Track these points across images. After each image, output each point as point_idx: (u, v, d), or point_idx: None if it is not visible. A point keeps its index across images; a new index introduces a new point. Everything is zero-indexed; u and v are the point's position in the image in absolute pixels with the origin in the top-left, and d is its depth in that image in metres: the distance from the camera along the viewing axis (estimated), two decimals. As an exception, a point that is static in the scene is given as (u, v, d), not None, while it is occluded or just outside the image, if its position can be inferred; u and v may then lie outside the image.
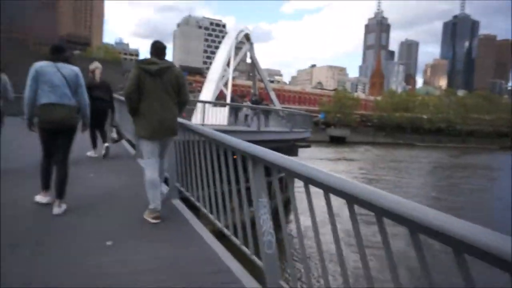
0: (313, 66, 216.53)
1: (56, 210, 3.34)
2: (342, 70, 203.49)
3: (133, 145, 7.22)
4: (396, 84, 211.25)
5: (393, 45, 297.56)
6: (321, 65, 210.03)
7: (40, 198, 3.55)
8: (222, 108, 15.64)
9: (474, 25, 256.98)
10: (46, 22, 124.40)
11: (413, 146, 68.52)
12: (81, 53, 69.11)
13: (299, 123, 19.38)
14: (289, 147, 17.55)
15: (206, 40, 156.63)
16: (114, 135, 6.81)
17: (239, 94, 24.90)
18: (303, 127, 19.86)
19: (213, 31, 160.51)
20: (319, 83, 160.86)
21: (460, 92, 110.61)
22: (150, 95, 3.29)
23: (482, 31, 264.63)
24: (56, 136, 3.51)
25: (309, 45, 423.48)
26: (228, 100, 20.10)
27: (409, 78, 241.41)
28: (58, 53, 3.58)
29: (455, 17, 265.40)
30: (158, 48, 3.46)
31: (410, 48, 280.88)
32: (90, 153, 6.49)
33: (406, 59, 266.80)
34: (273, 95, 34.20)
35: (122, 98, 7.44)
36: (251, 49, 30.56)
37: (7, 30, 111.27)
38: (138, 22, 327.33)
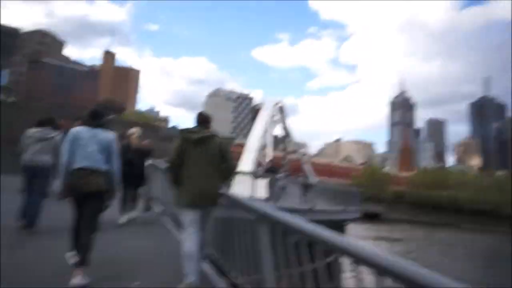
0: (338, 140, 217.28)
1: (75, 280, 3.07)
2: (368, 145, 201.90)
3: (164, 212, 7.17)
4: (425, 161, 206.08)
5: (420, 123, 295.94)
6: (347, 139, 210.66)
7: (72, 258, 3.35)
8: (261, 180, 14.23)
9: (500, 108, 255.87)
10: (88, 90, 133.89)
11: (455, 226, 62.44)
12: (116, 118, 71.62)
13: (346, 200, 16.83)
14: (337, 225, 15.01)
15: (234, 111, 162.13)
16: (141, 205, 6.66)
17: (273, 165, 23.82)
18: (351, 205, 17.36)
19: (240, 104, 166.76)
20: (348, 156, 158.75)
21: (498, 172, 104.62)
22: (191, 163, 3.35)
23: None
24: (86, 201, 3.46)
25: (334, 119, 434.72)
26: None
27: (438, 156, 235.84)
28: (96, 119, 3.64)
29: (481, 98, 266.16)
30: (202, 118, 3.57)
31: (437, 126, 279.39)
32: (121, 219, 6.20)
33: (434, 137, 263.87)
34: (308, 167, 32.03)
35: (156, 163, 7.57)
36: (285, 121, 30.17)
37: (57, 96, 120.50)
38: (171, 92, 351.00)
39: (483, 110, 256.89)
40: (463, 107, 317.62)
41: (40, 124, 5.15)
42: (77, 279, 3.09)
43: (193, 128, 3.47)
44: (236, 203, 3.47)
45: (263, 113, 25.70)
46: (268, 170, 16.21)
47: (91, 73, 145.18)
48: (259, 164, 21.05)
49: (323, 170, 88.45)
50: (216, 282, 3.51)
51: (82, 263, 3.19)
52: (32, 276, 3.34)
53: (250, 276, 3.19)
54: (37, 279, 3.27)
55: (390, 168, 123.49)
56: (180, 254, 3.40)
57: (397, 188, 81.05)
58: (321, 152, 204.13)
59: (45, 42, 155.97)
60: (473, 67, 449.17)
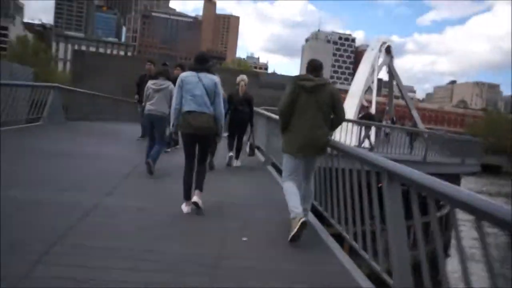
0: (453, 82, 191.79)
1: (195, 198, 3.69)
2: (493, 87, 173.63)
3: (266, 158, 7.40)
4: None
5: None
6: (463, 81, 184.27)
7: (184, 207, 3.75)
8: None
9: None
10: (191, 40, 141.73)
11: None
12: (218, 66, 75.26)
13: (464, 152, 15.15)
14: (452, 179, 13.86)
15: (335, 54, 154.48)
16: (247, 149, 6.90)
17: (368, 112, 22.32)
18: (470, 157, 15.51)
19: (342, 46, 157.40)
20: (463, 101, 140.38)
21: None
22: (302, 111, 3.31)
23: None
24: (195, 142, 3.79)
25: (448, 60, 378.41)
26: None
27: None
28: (201, 63, 3.81)
29: None
30: (314, 66, 3.52)
31: None
32: (235, 162, 6.64)
33: None
34: (416, 114, 29.47)
35: (260, 110, 7.82)
36: (391, 63, 27.22)
37: (164, 48, 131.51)
38: (268, 38, 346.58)
39: None
40: None
41: (156, 76, 5.60)
42: (195, 198, 3.69)
43: (306, 75, 3.42)
44: (346, 153, 3.35)
45: (367, 54, 23.76)
46: (362, 117, 15.07)
47: (194, 23, 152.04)
48: (363, 110, 20.15)
49: (431, 116, 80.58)
50: (319, 231, 3.53)
51: (199, 187, 3.77)
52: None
53: (354, 227, 3.12)
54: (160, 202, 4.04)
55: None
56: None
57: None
58: (430, 97, 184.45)
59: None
60: None
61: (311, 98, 3.28)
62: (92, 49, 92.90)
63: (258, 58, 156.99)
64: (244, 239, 3.09)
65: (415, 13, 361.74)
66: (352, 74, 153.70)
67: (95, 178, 4.79)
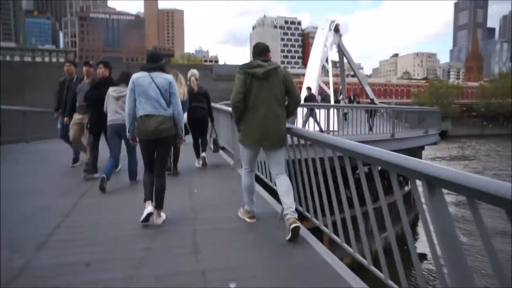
0: (396, 55, 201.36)
1: (156, 220, 3.44)
2: (431, 57, 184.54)
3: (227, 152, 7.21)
4: (500, 65, 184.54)
5: (493, 22, 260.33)
6: (405, 53, 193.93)
7: (146, 208, 3.46)
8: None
9: None
10: (136, 39, 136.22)
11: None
12: (167, 63, 73.12)
13: (427, 123, 15.41)
14: (413, 151, 14.09)
15: (282, 39, 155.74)
16: (211, 145, 6.71)
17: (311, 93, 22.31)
18: (433, 127, 15.88)
19: (289, 30, 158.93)
20: (406, 72, 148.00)
21: None
22: (256, 100, 3.10)
23: None
24: (154, 147, 3.54)
25: (389, 34, 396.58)
26: (333, 99, 17.58)
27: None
28: (153, 62, 3.59)
29: None
30: (260, 49, 3.26)
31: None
32: (197, 163, 6.43)
33: (511, 35, 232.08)
34: (369, 90, 30.46)
35: (219, 106, 7.43)
36: (340, 41, 27.63)
37: (108, 51, 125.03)
38: (216, 29, 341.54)
39: None
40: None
41: (117, 82, 5.13)
42: (160, 218, 3.45)
43: (255, 61, 3.16)
44: (316, 141, 3.00)
45: (318, 35, 23.27)
46: (305, 99, 14.34)
47: (137, 21, 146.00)
48: (322, 92, 20.17)
49: (380, 90, 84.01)
50: (276, 208, 3.66)
51: (160, 206, 3.48)
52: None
53: (324, 216, 2.99)
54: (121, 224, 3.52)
55: (454, 80, 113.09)
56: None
57: (463, 101, 75.05)
58: (376, 72, 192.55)
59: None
60: None
61: (264, 85, 3.09)
62: (28, 59, 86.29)
63: (208, 51, 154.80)
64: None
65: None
66: (302, 57, 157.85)
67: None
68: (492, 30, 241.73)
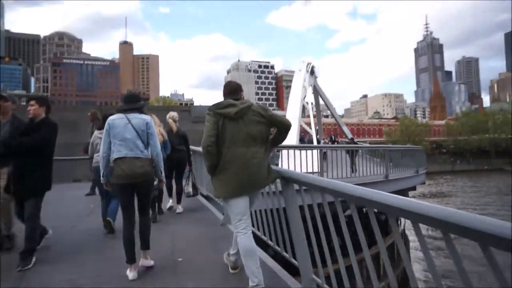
0: (365, 96, 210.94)
1: (143, 262, 3.35)
2: (398, 97, 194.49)
3: (208, 199, 6.89)
4: (460, 105, 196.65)
5: (449, 65, 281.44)
6: (373, 94, 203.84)
7: (129, 273, 3.17)
8: (310, 152, 12.45)
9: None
10: (110, 83, 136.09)
11: (501, 171, 60.04)
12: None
13: (417, 162, 14.72)
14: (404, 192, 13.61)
15: (257, 82, 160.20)
16: (190, 189, 6.36)
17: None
18: (421, 166, 15.17)
19: (262, 73, 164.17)
20: (377, 112, 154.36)
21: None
22: (232, 143, 2.76)
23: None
24: (132, 192, 3.30)
25: (358, 76, 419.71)
26: (315, 140, 17.55)
27: (473, 97, 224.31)
28: (130, 103, 3.43)
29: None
30: (231, 88, 3.00)
31: (469, 65, 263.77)
32: (170, 202, 6.34)
33: (466, 77, 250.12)
34: (347, 130, 31.12)
35: (197, 148, 6.88)
36: (316, 82, 28.45)
37: (81, 95, 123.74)
38: (191, 74, 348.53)
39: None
40: (498, 39, 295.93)
41: (102, 126, 5.06)
42: (147, 261, 3.37)
43: (226, 100, 2.88)
44: (298, 182, 2.74)
45: (296, 77, 23.17)
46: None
47: (112, 66, 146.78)
48: (304, 134, 20.11)
49: (354, 130, 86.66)
50: (286, 281, 3.04)
51: (146, 246, 3.39)
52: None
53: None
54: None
55: (421, 119, 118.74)
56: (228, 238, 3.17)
57: (432, 138, 78.52)
58: (348, 112, 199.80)
59: (63, 44, 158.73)
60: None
61: (238, 126, 2.78)
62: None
63: (183, 94, 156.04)
64: None
65: (323, 37, 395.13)
66: (276, 100, 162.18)
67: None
68: (449, 73, 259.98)
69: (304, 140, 18.91)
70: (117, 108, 3.45)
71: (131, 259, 3.19)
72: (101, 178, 3.38)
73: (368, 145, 18.66)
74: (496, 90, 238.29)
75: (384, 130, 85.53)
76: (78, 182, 11.70)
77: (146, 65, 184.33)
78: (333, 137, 22.57)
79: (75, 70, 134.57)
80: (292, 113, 18.12)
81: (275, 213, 3.31)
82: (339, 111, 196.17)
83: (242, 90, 3.07)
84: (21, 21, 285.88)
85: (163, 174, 3.59)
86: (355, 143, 20.15)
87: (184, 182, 6.37)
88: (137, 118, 3.36)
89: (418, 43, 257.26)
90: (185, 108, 33.71)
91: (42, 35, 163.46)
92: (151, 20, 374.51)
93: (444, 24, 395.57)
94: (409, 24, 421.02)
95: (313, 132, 18.92)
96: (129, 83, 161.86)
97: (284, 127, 2.96)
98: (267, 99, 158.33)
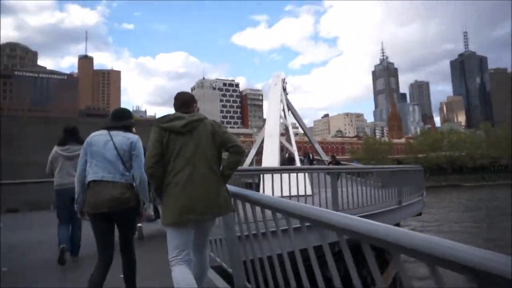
0: (327, 115, 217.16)
1: None
2: (359, 116, 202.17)
3: None
4: (414, 124, 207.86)
5: (403, 88, 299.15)
6: (334, 113, 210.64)
7: None
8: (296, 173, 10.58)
9: (482, 61, 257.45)
10: (67, 98, 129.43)
11: (458, 187, 63.13)
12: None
13: (413, 185, 11.67)
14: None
15: (221, 100, 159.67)
16: (151, 212, 5.56)
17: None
18: (419, 189, 12.46)
19: (227, 91, 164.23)
20: (339, 131, 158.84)
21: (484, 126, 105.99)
22: (178, 161, 2.38)
23: (492, 65, 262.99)
24: (110, 223, 2.76)
25: (320, 96, 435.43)
26: (297, 158, 16.79)
27: (426, 118, 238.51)
28: (117, 120, 2.99)
29: (461, 55, 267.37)
30: (183, 100, 2.63)
31: (421, 89, 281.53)
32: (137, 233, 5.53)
33: (419, 100, 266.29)
34: (319, 148, 30.81)
35: None
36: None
37: (35, 110, 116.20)
38: (154, 91, 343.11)
39: (464, 66, 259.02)
40: (446, 65, 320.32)
41: (64, 141, 4.60)
42: None
43: (172, 114, 2.56)
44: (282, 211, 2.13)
45: (272, 91, 21.90)
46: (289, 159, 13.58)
47: (69, 80, 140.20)
48: (286, 151, 19.24)
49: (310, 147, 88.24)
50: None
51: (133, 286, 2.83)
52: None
53: None
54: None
55: (380, 137, 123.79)
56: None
57: (393, 156, 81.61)
58: (311, 131, 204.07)
59: (16, 55, 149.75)
60: (452, 24, 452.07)
61: (186, 142, 2.43)
62: None
63: (145, 111, 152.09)
64: None
65: (286, 58, 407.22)
66: (241, 117, 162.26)
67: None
68: (404, 95, 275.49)
69: (294, 158, 17.95)
70: (102, 125, 2.99)
71: None
72: (76, 204, 2.90)
73: (363, 165, 17.86)
74: (445, 111, 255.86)
75: (347, 148, 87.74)
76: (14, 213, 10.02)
77: (107, 81, 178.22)
78: (310, 155, 21.97)
79: (29, 84, 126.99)
80: (271, 130, 17.27)
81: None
82: (299, 130, 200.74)
83: (195, 102, 2.70)
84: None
85: (146, 204, 3.09)
86: (339, 162, 19.28)
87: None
88: (121, 136, 2.91)
89: (375, 66, 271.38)
90: (150, 121, 32.63)
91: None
92: (114, 35, 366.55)
93: (397, 50, 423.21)
94: (367, 48, 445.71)
95: (294, 149, 18.16)
96: (88, 98, 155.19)
97: (236, 150, 2.53)
98: (231, 117, 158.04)
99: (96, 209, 2.71)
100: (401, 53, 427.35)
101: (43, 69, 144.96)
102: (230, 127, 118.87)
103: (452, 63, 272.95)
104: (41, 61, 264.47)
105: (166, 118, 2.50)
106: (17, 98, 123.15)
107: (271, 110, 19.73)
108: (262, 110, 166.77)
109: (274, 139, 16.54)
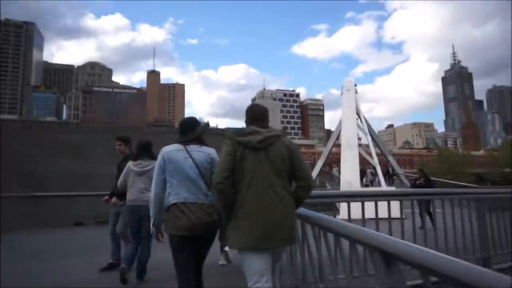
0: (391, 126, 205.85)
1: None
2: (429, 126, 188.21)
3: None
4: (495, 135, 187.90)
5: (479, 94, 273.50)
6: (398, 123, 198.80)
7: None
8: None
9: None
10: (137, 111, 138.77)
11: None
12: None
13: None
14: None
15: (282, 111, 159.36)
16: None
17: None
18: None
19: (288, 102, 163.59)
20: (406, 142, 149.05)
21: None
22: (252, 179, 2.19)
23: None
24: (193, 247, 2.63)
25: (384, 105, 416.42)
26: (380, 172, 14.76)
27: (509, 127, 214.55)
28: (187, 132, 2.74)
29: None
30: (258, 113, 2.44)
31: (501, 94, 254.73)
32: (221, 261, 4.89)
33: (499, 107, 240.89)
34: (393, 161, 27.90)
35: None
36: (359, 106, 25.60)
37: (108, 122, 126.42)
38: (215, 103, 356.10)
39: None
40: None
41: (138, 155, 4.44)
42: None
43: (246, 128, 2.29)
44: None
45: (345, 98, 20.04)
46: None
47: (139, 94, 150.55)
48: (368, 168, 17.21)
49: (382, 160, 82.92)
50: None
51: None
52: None
53: None
54: None
55: (452, 149, 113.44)
56: None
57: (472, 170, 73.49)
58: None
59: (95, 73, 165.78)
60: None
61: (261, 158, 2.19)
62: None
63: (208, 122, 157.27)
64: None
65: (347, 67, 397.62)
66: (301, 128, 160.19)
67: None
68: (480, 102, 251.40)
69: (365, 171, 15.91)
70: (176, 140, 2.74)
71: None
72: (152, 226, 2.62)
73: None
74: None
75: (417, 161, 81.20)
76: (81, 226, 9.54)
77: (172, 94, 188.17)
78: (390, 169, 19.57)
79: (104, 98, 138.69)
80: (349, 140, 15.39)
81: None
82: (365, 141, 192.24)
83: (268, 116, 2.46)
84: (60, 53, 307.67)
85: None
86: (430, 180, 16.20)
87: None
88: (200, 152, 2.67)
89: (446, 71, 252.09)
90: (218, 131, 32.64)
91: (76, 65, 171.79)
92: (179, 50, 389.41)
93: (471, 53, 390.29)
94: (436, 53, 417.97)
95: (376, 162, 16.05)
96: (154, 110, 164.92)
97: (304, 185, 2.28)
98: (292, 128, 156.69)
99: (182, 232, 2.52)
100: (476, 56, 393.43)
101: (117, 84, 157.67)
102: (291, 138, 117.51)
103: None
104: (115, 77, 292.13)
105: (241, 132, 2.31)
106: (94, 111, 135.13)
107: (346, 118, 17.89)
108: (323, 120, 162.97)
109: (354, 151, 14.67)
